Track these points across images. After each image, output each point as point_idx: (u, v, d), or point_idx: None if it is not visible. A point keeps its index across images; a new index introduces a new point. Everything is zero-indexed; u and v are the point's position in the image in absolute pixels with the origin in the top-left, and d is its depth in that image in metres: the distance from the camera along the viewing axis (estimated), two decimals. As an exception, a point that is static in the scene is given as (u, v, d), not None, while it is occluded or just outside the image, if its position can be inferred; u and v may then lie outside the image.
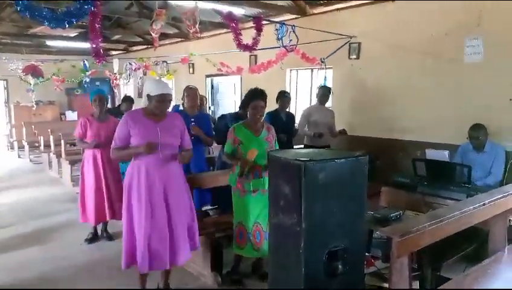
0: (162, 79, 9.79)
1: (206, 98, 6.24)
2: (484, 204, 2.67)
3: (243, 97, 4.60)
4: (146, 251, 3.02)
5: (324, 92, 5.54)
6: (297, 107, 7.39)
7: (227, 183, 3.62)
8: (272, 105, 5.04)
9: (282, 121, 5.18)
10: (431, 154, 4.21)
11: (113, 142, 3.13)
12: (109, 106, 6.28)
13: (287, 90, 7.32)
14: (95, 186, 4.47)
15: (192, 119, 4.33)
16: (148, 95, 3.06)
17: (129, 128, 3.03)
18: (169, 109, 3.37)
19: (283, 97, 5.21)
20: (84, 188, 4.56)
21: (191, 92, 4.44)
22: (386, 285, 2.60)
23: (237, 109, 5.17)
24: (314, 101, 6.17)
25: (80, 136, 4.50)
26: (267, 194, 3.39)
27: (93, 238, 4.67)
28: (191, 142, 3.36)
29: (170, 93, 3.12)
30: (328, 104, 5.82)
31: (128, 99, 6.50)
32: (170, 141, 3.10)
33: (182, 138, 3.21)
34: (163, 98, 3.03)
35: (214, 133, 4.70)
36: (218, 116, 5.95)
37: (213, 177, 4.12)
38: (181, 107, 4.61)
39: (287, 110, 5.40)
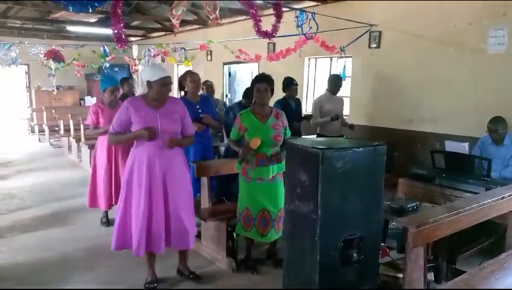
0: (181, 66, 9.87)
1: (213, 85, 6.20)
2: (503, 197, 2.64)
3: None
4: (143, 236, 3.05)
5: (337, 83, 5.39)
6: (315, 96, 7.33)
7: (230, 171, 3.63)
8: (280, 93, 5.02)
9: (292, 109, 5.15)
10: (450, 146, 4.15)
11: (110, 127, 3.15)
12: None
13: (305, 78, 7.31)
14: (108, 172, 4.54)
15: (198, 106, 4.28)
16: (148, 82, 3.05)
17: (130, 115, 3.04)
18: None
19: (291, 86, 5.14)
20: (96, 173, 4.63)
21: (195, 77, 4.27)
22: (401, 275, 2.59)
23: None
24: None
25: (93, 123, 4.56)
26: (275, 182, 3.43)
27: (108, 221, 4.75)
28: (193, 128, 3.36)
29: (170, 76, 3.13)
30: (345, 93, 5.76)
31: (126, 80, 6.44)
32: (170, 127, 3.09)
33: (182, 124, 3.20)
34: (165, 81, 3.05)
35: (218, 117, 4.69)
36: (225, 109, 5.95)
37: (218, 165, 4.10)
38: (188, 92, 4.42)
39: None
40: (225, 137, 5.42)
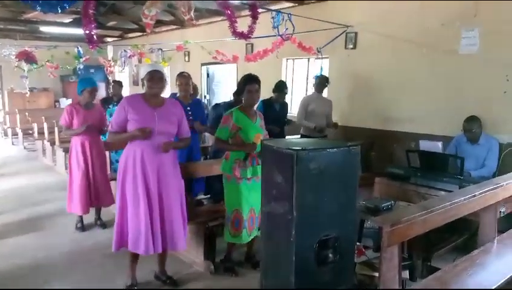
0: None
1: (197, 87, 6.10)
2: (474, 195, 2.69)
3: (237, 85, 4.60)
4: (149, 235, 3.04)
5: (321, 81, 5.54)
6: (293, 97, 7.37)
7: (209, 173, 3.62)
8: (266, 94, 5.02)
9: (275, 111, 5.17)
10: (424, 145, 4.22)
11: (109, 125, 3.14)
12: (104, 94, 6.26)
13: (283, 79, 7.32)
14: (85, 175, 4.46)
15: (188, 108, 4.28)
16: (142, 80, 3.09)
17: (127, 113, 3.02)
18: (167, 96, 3.37)
19: (282, 92, 5.19)
20: (72, 178, 4.53)
21: (183, 80, 4.35)
22: (377, 274, 2.62)
23: (232, 97, 5.15)
24: (310, 90, 6.16)
25: (66, 124, 4.45)
26: (260, 181, 3.43)
27: (83, 226, 4.67)
28: (189, 130, 3.35)
29: (159, 70, 3.11)
30: (324, 94, 5.81)
31: (116, 83, 6.39)
32: (166, 128, 3.08)
33: (179, 126, 3.19)
34: (152, 75, 3.03)
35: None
36: (212, 105, 5.90)
37: (207, 166, 4.12)
38: (178, 94, 4.54)
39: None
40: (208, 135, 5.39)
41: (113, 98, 5.99)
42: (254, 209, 3.45)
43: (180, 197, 3.25)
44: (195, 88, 6.00)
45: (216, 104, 5.51)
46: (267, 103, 5.11)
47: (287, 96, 7.35)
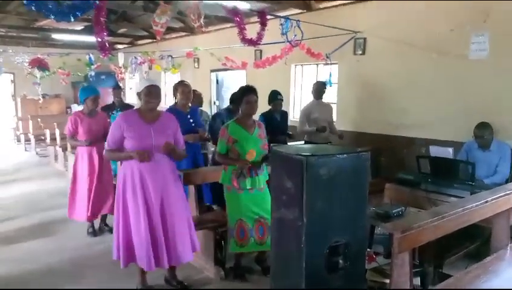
0: (167, 73, 9.84)
1: (201, 96, 5.96)
2: (487, 201, 2.66)
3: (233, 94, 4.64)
4: (150, 250, 3.05)
5: (318, 87, 5.53)
6: (302, 103, 7.36)
7: (217, 179, 3.60)
8: (265, 105, 5.01)
9: (277, 121, 5.17)
10: (435, 151, 4.19)
11: (105, 144, 3.16)
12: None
13: (292, 85, 7.34)
14: (90, 183, 4.49)
15: (189, 116, 4.26)
16: (138, 94, 3.12)
17: (122, 131, 3.04)
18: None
19: (276, 100, 5.16)
20: (77, 185, 4.57)
21: (185, 88, 4.26)
22: (388, 281, 2.60)
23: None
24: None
25: (70, 133, 4.50)
26: (264, 191, 3.43)
27: (95, 231, 4.70)
28: (183, 142, 3.35)
29: (156, 85, 3.14)
30: (332, 100, 5.79)
31: (116, 89, 6.40)
32: (163, 142, 3.08)
33: (175, 139, 3.20)
34: (149, 90, 3.06)
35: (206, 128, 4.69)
36: (212, 114, 5.87)
37: (212, 172, 4.08)
38: (178, 102, 4.40)
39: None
40: (210, 143, 5.35)
41: (115, 103, 6.00)
42: (265, 219, 3.40)
43: (183, 208, 3.24)
44: (199, 96, 5.96)
45: (216, 113, 5.50)
46: (267, 115, 5.09)
47: (294, 101, 7.44)
